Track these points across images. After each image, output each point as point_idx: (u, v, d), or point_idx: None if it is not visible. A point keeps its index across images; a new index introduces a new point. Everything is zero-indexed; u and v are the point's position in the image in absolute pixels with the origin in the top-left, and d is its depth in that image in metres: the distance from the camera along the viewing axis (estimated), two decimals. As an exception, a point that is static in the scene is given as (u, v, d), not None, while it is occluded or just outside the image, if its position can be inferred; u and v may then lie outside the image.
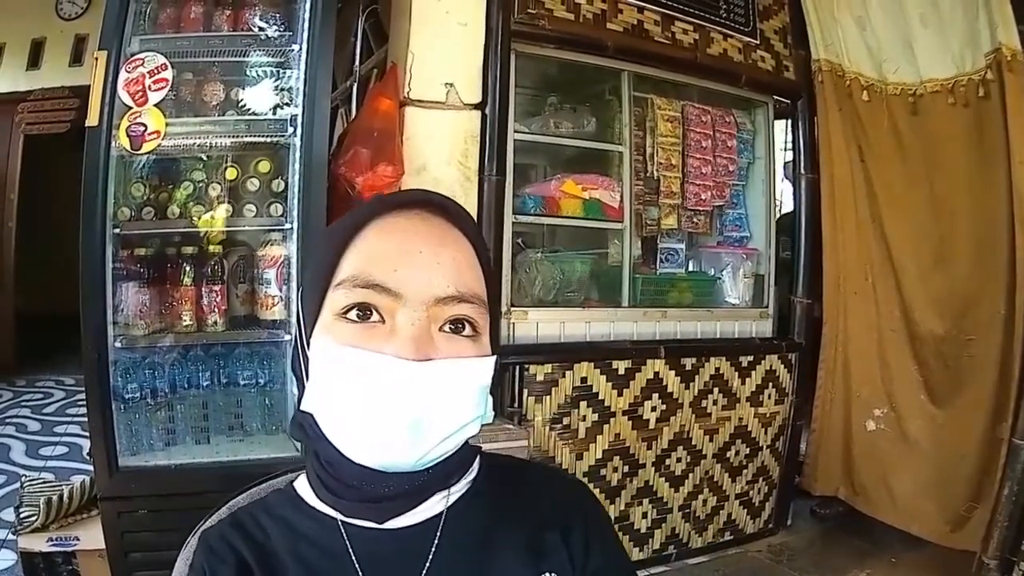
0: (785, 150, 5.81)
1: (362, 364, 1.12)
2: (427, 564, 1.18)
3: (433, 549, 1.19)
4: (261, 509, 1.29)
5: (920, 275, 5.01)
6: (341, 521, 1.20)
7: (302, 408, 1.22)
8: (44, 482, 3.87)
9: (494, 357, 1.23)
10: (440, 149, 3.82)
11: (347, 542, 1.18)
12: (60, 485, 3.64)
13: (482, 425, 1.24)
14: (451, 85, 3.85)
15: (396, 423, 1.11)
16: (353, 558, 1.17)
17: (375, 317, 1.15)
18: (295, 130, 3.38)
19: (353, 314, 1.15)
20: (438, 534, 1.20)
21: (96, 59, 3.10)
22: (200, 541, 1.25)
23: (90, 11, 7.37)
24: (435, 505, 1.23)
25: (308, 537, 1.21)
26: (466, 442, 1.24)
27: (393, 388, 1.10)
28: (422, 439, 1.12)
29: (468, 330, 1.18)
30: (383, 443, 1.12)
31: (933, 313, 4.97)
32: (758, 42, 5.15)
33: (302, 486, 1.31)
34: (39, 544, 3.44)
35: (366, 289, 1.14)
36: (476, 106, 3.93)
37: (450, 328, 1.16)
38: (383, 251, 1.17)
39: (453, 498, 1.25)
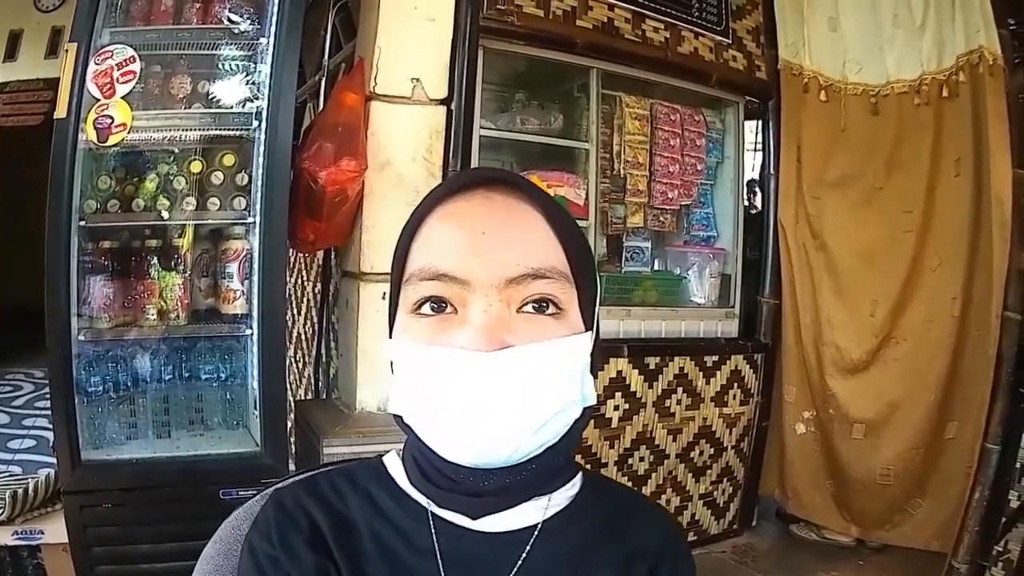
0: (755, 151, 5.91)
1: (434, 360, 1.11)
2: (513, 574, 1.15)
3: (522, 559, 1.16)
4: (344, 476, 1.27)
5: (847, 277, 5.19)
6: (431, 512, 1.18)
7: (390, 411, 1.22)
8: (11, 475, 3.92)
9: (587, 334, 1.17)
10: (405, 144, 3.87)
11: (434, 535, 1.16)
12: (26, 478, 3.67)
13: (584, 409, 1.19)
14: (417, 80, 3.90)
15: (476, 419, 1.08)
16: (438, 553, 1.14)
17: (448, 309, 1.13)
18: (260, 124, 3.43)
19: (426, 308, 1.14)
20: (530, 545, 1.17)
21: (67, 51, 3.16)
22: (272, 498, 1.24)
23: (67, 3, 7.30)
24: (531, 514, 1.19)
25: (391, 520, 1.19)
26: (573, 432, 1.19)
27: (467, 382, 1.08)
28: (510, 432, 1.09)
29: (551, 308, 1.13)
30: (467, 441, 1.10)
31: (855, 317, 5.17)
32: (730, 41, 5.30)
33: (393, 464, 1.29)
34: (4, 537, 3.48)
35: (433, 281, 1.12)
36: (442, 101, 3.98)
37: (532, 308, 1.12)
38: (446, 238, 1.14)
39: (552, 510, 1.21)
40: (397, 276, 1.21)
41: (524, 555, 1.16)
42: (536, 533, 1.18)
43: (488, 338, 1.08)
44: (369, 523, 1.19)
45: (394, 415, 1.22)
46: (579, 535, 1.21)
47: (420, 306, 1.14)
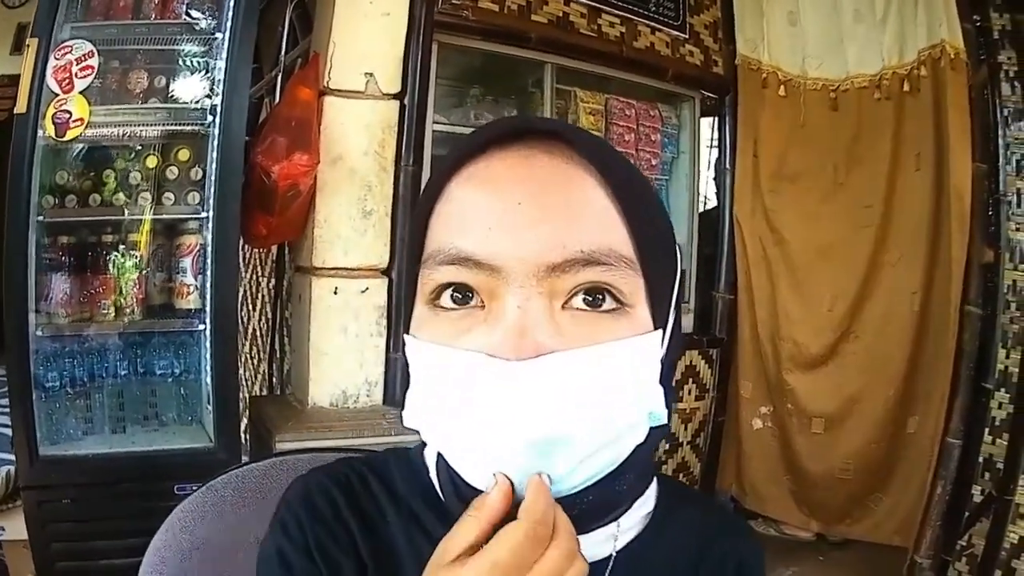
0: (711, 147, 6.09)
1: (450, 367, 0.94)
2: None
3: None
4: (381, 482, 1.13)
5: (805, 272, 5.34)
6: None
7: (405, 423, 1.02)
8: (-28, 472, 4.04)
9: (657, 333, 0.98)
10: (358, 139, 4.00)
11: None
12: (-15, 475, 3.72)
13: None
14: (371, 75, 4.00)
15: (500, 446, 0.90)
16: None
17: (474, 300, 0.95)
18: (215, 118, 3.54)
19: (446, 299, 0.96)
20: None
21: (28, 46, 3.27)
22: (300, 495, 1.11)
23: None
24: (599, 545, 1.05)
25: None
26: (638, 456, 0.99)
27: (489, 399, 0.89)
28: (548, 461, 0.90)
29: (609, 302, 0.94)
30: (491, 471, 0.91)
31: (813, 312, 5.32)
32: (687, 36, 5.43)
33: (435, 472, 1.12)
34: (-34, 535, 3.53)
35: (453, 266, 0.94)
36: (395, 96, 4.08)
37: (583, 302, 0.93)
38: (470, 209, 0.96)
39: (625, 537, 1.08)
40: (414, 256, 1.03)
41: None
42: (610, 567, 1.05)
43: (518, 342, 0.89)
44: (415, 554, 1.03)
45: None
46: (663, 564, 1.11)
47: (438, 295, 0.97)
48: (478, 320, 0.94)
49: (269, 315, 5.56)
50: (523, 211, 0.92)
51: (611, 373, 0.92)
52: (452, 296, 0.96)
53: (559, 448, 0.89)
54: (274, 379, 5.38)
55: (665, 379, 1.01)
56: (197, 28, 3.59)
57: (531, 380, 0.88)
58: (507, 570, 0.83)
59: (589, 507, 0.97)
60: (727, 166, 5.63)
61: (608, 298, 0.93)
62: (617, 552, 1.06)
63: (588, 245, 0.91)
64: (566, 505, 0.90)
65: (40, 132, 3.27)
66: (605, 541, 1.05)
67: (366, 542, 1.06)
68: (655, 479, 1.17)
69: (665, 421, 0.99)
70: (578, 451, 0.91)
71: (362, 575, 1.05)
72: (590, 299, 0.93)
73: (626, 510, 1.07)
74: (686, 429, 5.54)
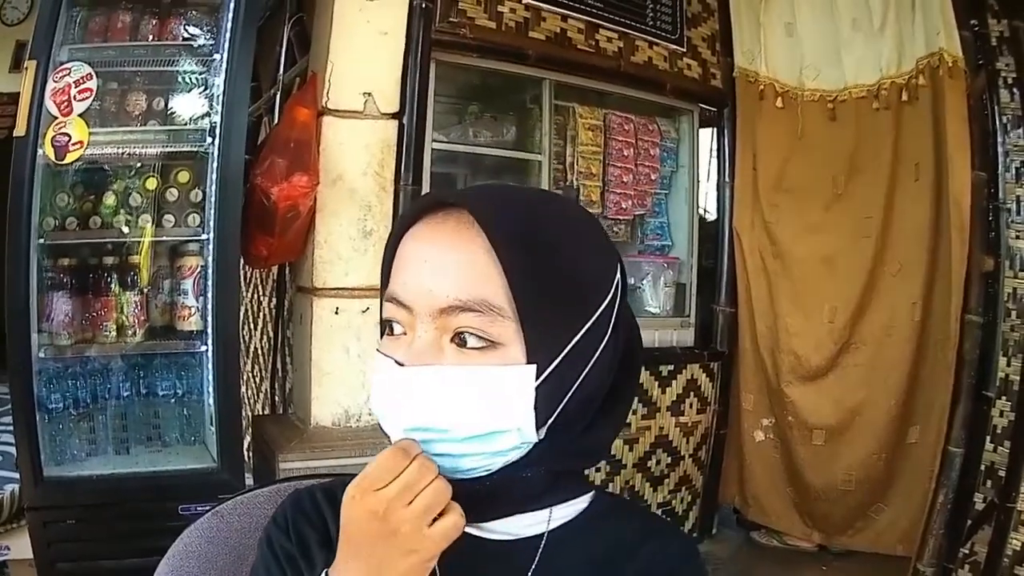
0: (711, 159, 6.09)
1: (376, 370, 1.21)
2: None
3: (533, 568, 1.22)
4: None
5: (805, 283, 5.34)
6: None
7: (371, 409, 1.32)
8: (-24, 492, 4.04)
9: (520, 368, 1.14)
10: (357, 159, 4.00)
11: None
12: (-9, 495, 3.72)
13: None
14: (369, 95, 3.99)
15: (396, 428, 1.16)
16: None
17: (400, 330, 1.20)
18: (214, 140, 3.54)
19: (390, 327, 1.22)
20: (538, 556, 1.22)
21: (27, 69, 3.29)
22: (291, 496, 1.34)
23: (32, 17, 7.23)
24: (534, 526, 1.24)
25: None
26: (533, 459, 1.19)
27: (388, 392, 1.17)
28: (427, 446, 1.12)
29: (474, 342, 1.14)
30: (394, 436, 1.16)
31: (813, 323, 5.31)
32: (685, 50, 5.44)
33: None
34: (-28, 554, 3.52)
35: (390, 303, 1.20)
36: (394, 115, 4.07)
37: (459, 339, 1.15)
38: (402, 263, 1.21)
39: (555, 523, 1.25)
40: (383, 291, 1.27)
41: (535, 564, 1.22)
42: (543, 542, 1.23)
43: (413, 357, 1.15)
44: None
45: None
46: (588, 551, 1.26)
47: (387, 324, 1.23)
48: (402, 343, 1.19)
49: (270, 334, 5.55)
50: (427, 267, 1.17)
51: (468, 389, 1.14)
52: (391, 326, 1.22)
53: (423, 431, 1.13)
54: (276, 398, 5.37)
55: (545, 404, 1.16)
56: (195, 48, 3.61)
57: (409, 380, 1.15)
58: (373, 480, 1.08)
59: (489, 491, 1.19)
60: (726, 179, 5.65)
61: (474, 338, 1.14)
62: (550, 532, 1.25)
63: (464, 296, 1.13)
64: (465, 485, 1.14)
65: (40, 153, 3.28)
66: (539, 523, 1.25)
67: (336, 529, 1.19)
68: (593, 491, 1.34)
69: (532, 440, 1.18)
70: (436, 434, 1.14)
71: (328, 551, 1.21)
72: (461, 337, 1.15)
73: (558, 502, 1.27)
74: (688, 442, 5.52)
